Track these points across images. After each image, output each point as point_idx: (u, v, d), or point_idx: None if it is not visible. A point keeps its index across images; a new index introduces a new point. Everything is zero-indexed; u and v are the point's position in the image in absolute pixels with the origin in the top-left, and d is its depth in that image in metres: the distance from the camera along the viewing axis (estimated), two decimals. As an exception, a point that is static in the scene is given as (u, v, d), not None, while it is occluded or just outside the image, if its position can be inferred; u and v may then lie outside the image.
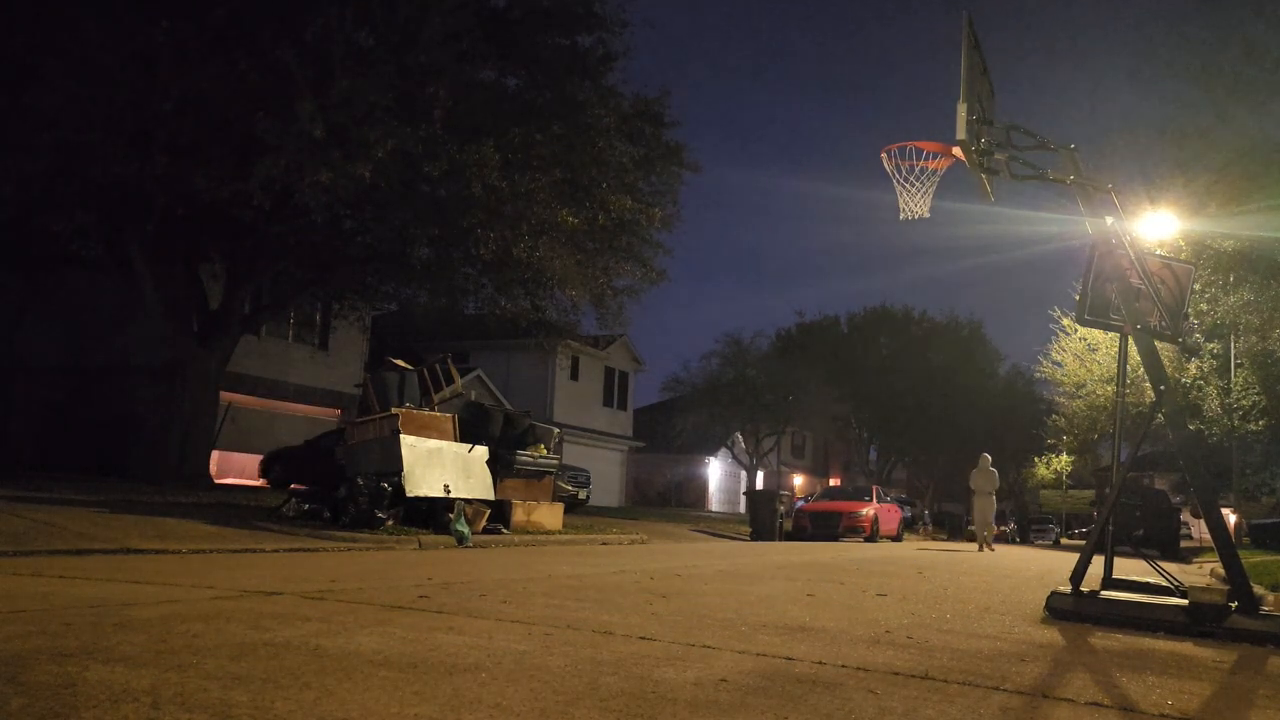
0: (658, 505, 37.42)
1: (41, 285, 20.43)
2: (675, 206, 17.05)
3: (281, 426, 23.35)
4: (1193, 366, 23.35)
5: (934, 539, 34.42)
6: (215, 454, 16.23)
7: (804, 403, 39.09)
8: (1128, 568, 6.46)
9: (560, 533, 13.12)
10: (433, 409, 12.66)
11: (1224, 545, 5.31)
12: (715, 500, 44.63)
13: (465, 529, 10.49)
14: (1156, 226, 11.30)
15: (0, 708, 2.21)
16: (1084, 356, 30.17)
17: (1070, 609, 5.32)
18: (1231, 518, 22.30)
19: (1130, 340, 5.73)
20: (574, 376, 33.93)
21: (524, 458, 13.28)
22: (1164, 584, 5.54)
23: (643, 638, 3.74)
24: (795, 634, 4.14)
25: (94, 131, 12.28)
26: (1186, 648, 4.47)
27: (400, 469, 10.84)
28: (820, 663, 3.41)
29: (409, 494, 10.82)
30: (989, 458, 19.13)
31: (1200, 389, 23.35)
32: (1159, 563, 6.22)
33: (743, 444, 42.47)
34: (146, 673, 2.62)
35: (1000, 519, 46.54)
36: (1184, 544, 26.94)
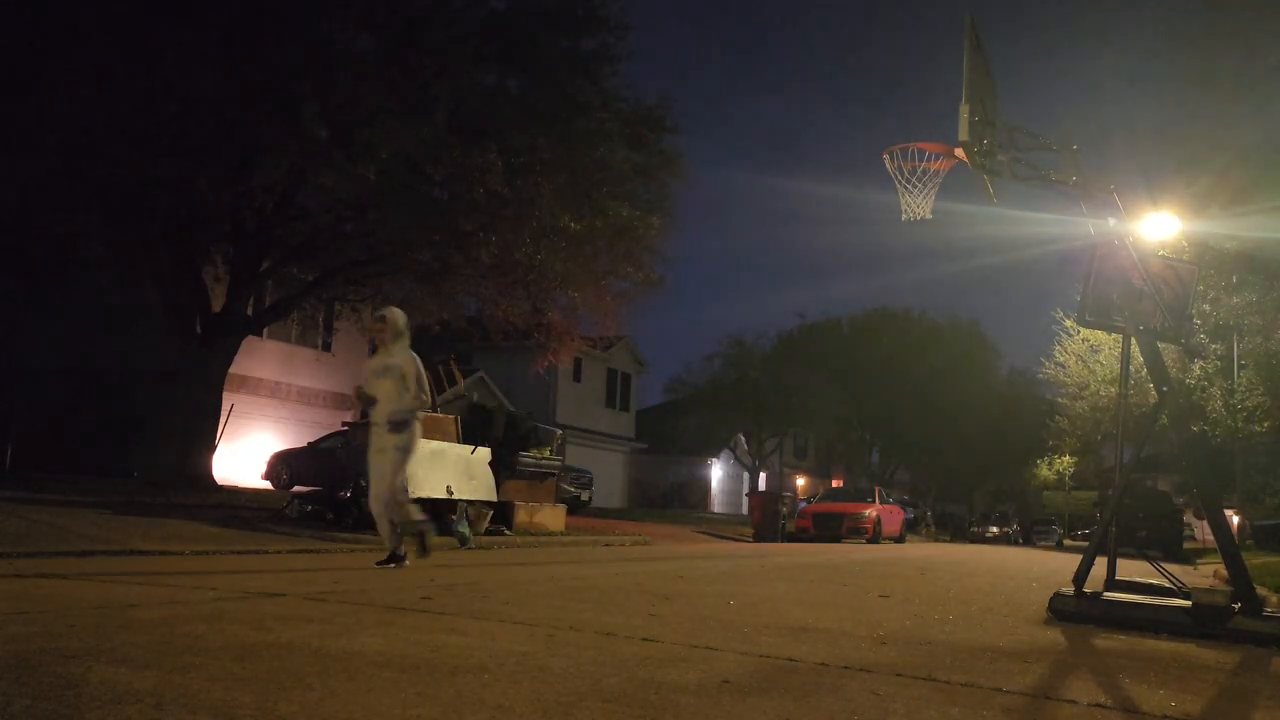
0: (660, 507, 37.41)
1: (44, 287, 20.46)
2: (670, 215, 17.00)
3: (285, 428, 23.36)
4: (1196, 368, 23.29)
5: (936, 540, 34.41)
6: (216, 455, 16.22)
7: (806, 404, 39.04)
8: (1131, 569, 6.45)
9: (563, 534, 13.12)
10: (435, 410, 12.67)
11: (1227, 546, 5.31)
12: (718, 502, 44.60)
13: (468, 530, 10.50)
14: (1158, 227, 11.29)
15: (4, 709, 2.21)
16: (1086, 358, 30.14)
17: (1073, 610, 5.32)
18: (1235, 519, 22.24)
19: (1133, 341, 5.73)
20: (576, 378, 33.95)
21: (526, 459, 13.30)
22: (1167, 585, 5.54)
23: (645, 639, 3.74)
24: (798, 635, 4.14)
25: (96, 133, 12.30)
26: (1190, 649, 4.46)
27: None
28: (823, 664, 3.41)
29: (412, 495, 10.81)
30: (400, 316, 7.40)
31: (1204, 390, 23.30)
32: (1162, 564, 6.21)
33: (745, 445, 42.47)
34: (150, 674, 2.63)
35: (1003, 520, 46.59)
36: (1187, 545, 26.90)
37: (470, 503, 11.30)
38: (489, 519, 11.61)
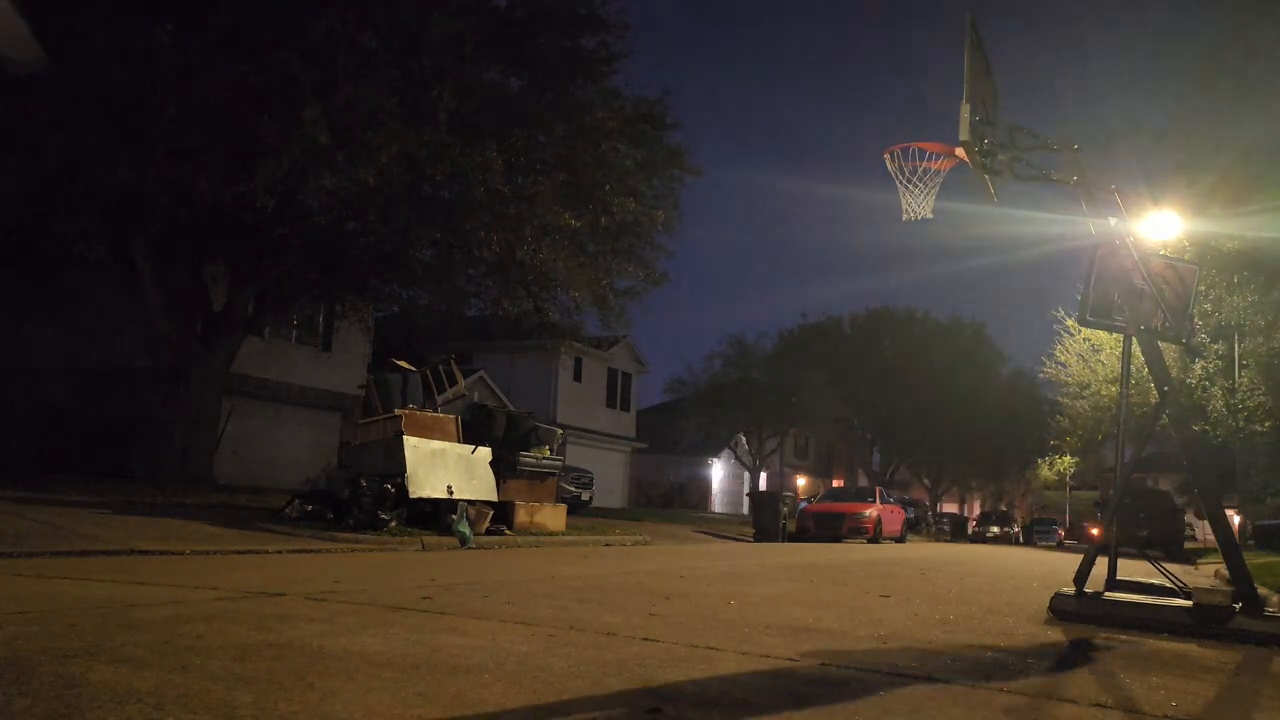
0: (661, 506, 37.36)
1: (45, 287, 20.46)
2: (676, 209, 17.11)
3: (284, 428, 23.35)
4: (1198, 367, 23.26)
5: (937, 540, 34.39)
6: (216, 455, 16.22)
7: (807, 404, 39.03)
8: (1132, 569, 6.45)
9: (563, 534, 13.11)
10: (436, 410, 12.66)
11: (1228, 546, 5.30)
12: (718, 501, 44.60)
13: (468, 530, 10.50)
14: (1160, 227, 11.26)
15: (5, 708, 2.21)
16: (1088, 357, 30.14)
17: (1074, 610, 5.31)
18: (1236, 519, 22.23)
19: (1134, 341, 5.73)
20: (577, 378, 33.92)
21: (527, 459, 13.28)
22: (1168, 585, 5.53)
23: (646, 639, 3.74)
24: (799, 635, 4.14)
25: (97, 134, 12.30)
26: (1191, 649, 4.46)
27: (403, 470, 10.85)
28: (824, 664, 3.41)
29: (412, 495, 10.83)
30: None
31: (1205, 390, 23.27)
32: (1163, 564, 6.21)
33: (746, 445, 42.44)
34: (150, 673, 2.62)
35: (1003, 520, 46.57)
36: (1188, 545, 26.90)
37: (470, 502, 11.29)
38: (489, 519, 11.60)
